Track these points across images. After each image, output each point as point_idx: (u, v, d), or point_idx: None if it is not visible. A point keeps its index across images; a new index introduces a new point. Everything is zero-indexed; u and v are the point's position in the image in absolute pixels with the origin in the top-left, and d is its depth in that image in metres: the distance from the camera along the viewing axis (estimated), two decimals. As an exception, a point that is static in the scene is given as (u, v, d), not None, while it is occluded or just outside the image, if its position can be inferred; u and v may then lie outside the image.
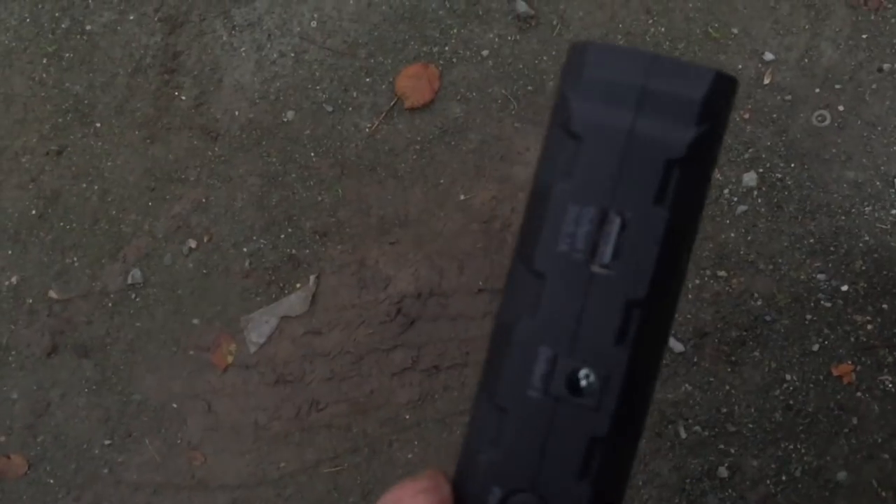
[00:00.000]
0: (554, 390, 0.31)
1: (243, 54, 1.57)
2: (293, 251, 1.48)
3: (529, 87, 1.47)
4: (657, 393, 1.37)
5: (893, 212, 1.37)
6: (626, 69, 0.31)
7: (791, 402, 1.34)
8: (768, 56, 1.44)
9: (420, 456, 1.42)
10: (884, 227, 1.37)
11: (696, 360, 1.37)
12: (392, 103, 1.50)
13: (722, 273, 1.38)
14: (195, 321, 1.49)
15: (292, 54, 1.55)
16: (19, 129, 1.60)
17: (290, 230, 1.49)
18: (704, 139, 0.31)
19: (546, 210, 0.31)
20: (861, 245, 1.37)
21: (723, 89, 0.31)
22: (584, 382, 0.31)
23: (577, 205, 0.31)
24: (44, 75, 1.61)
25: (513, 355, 0.31)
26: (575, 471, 0.31)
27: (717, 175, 1.41)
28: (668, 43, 1.46)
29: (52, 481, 1.49)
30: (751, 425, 1.35)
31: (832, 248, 1.37)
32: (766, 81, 1.43)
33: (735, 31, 1.45)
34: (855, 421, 1.33)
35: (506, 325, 0.32)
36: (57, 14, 1.63)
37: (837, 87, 1.42)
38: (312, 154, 1.51)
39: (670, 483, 1.35)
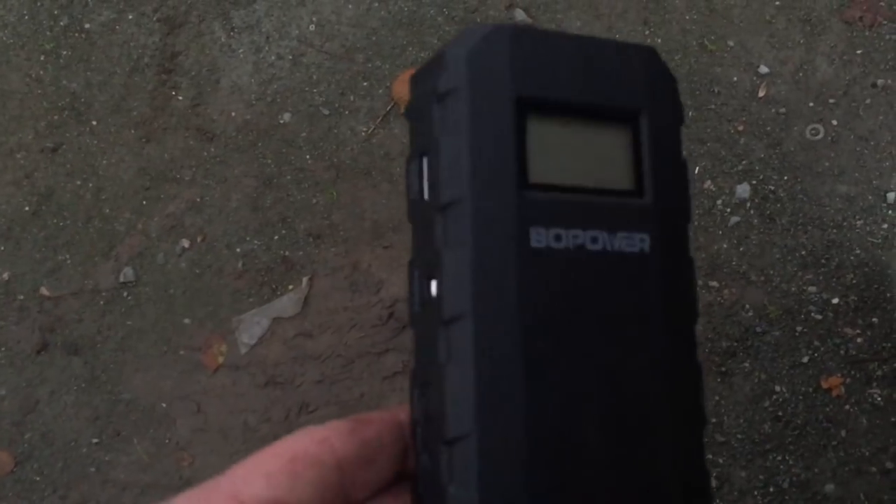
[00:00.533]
0: (425, 299, 0.37)
1: (241, 56, 1.57)
2: (286, 253, 1.48)
3: (526, 95, 1.48)
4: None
5: (885, 226, 1.38)
6: (424, 69, 0.40)
7: (780, 413, 1.35)
8: (763, 69, 1.45)
9: (409, 461, 1.42)
10: (875, 241, 1.38)
11: (686, 369, 1.37)
12: (389, 108, 1.51)
13: (714, 283, 1.39)
14: (186, 321, 1.49)
15: (290, 57, 1.56)
16: (15, 125, 1.60)
17: (283, 232, 1.49)
18: (453, 78, 0.37)
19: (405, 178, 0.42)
20: (852, 258, 1.38)
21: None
22: (433, 285, 0.36)
23: (411, 161, 0.41)
24: (41, 72, 1.61)
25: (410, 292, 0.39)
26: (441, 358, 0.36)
27: (710, 186, 1.42)
28: (664, 54, 1.47)
29: (38, 479, 1.48)
30: (740, 436, 1.35)
31: (824, 261, 1.38)
32: (761, 94, 1.44)
33: (731, 43, 1.46)
34: (843, 434, 1.33)
35: None
36: (56, 12, 1.63)
37: (831, 101, 1.43)
38: (308, 156, 1.51)
39: (658, 492, 1.35)
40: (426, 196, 0.37)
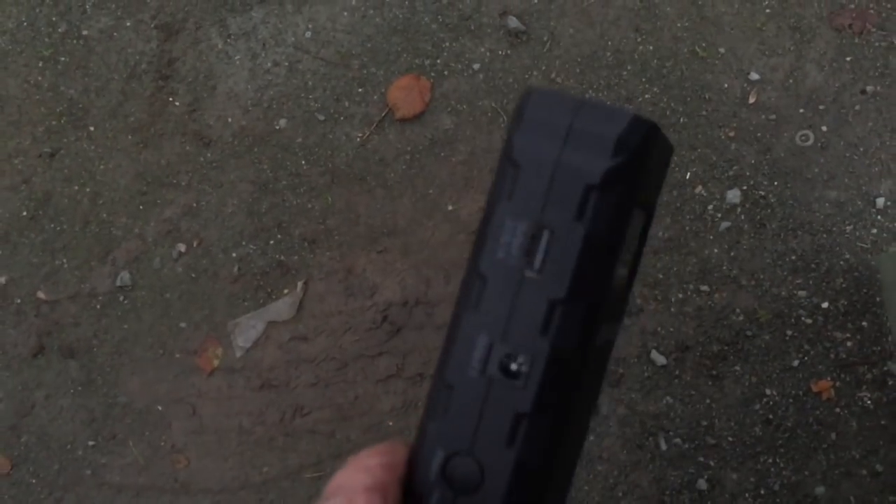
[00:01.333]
0: (489, 371, 0.37)
1: (238, 62, 1.58)
2: (282, 257, 1.50)
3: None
4: (638, 405, 1.38)
5: (874, 231, 1.39)
6: (558, 110, 0.37)
7: (771, 416, 1.36)
8: (754, 76, 1.46)
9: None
10: (864, 245, 1.39)
11: (677, 373, 1.38)
12: (383, 114, 1.52)
13: (705, 288, 1.40)
14: (182, 325, 1.50)
15: (286, 63, 1.57)
16: (13, 130, 1.61)
17: (279, 237, 1.50)
18: (620, 169, 0.37)
19: (490, 224, 0.38)
20: (842, 263, 1.39)
21: (639, 129, 0.38)
22: (514, 366, 0.37)
23: (513, 220, 0.38)
24: (39, 78, 1.63)
25: (458, 342, 0.38)
26: (503, 439, 0.37)
27: (701, 191, 1.43)
28: (655, 61, 1.49)
29: (34, 482, 1.49)
30: (731, 439, 1.36)
31: (813, 266, 1.39)
32: (752, 101, 1.45)
33: (722, 50, 1.48)
34: (833, 437, 1.35)
35: (456, 317, 0.39)
36: (54, 18, 1.65)
37: (821, 107, 1.44)
38: (303, 162, 1.52)
39: (650, 495, 1.36)
40: (523, 265, 0.38)
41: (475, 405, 0.37)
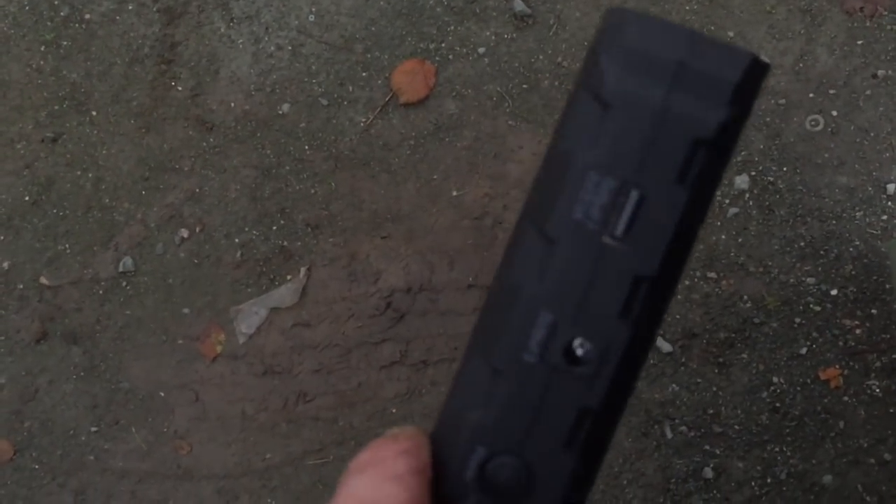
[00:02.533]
0: (551, 357, 0.31)
1: (241, 46, 1.57)
2: (285, 243, 1.49)
3: (524, 86, 1.48)
4: (643, 393, 1.37)
5: (884, 217, 1.37)
6: (664, 42, 0.30)
7: (778, 404, 1.34)
8: (763, 60, 1.44)
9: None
10: (874, 232, 1.37)
11: (683, 360, 1.37)
12: (387, 98, 1.51)
13: (712, 275, 1.39)
14: (185, 311, 1.49)
15: (289, 47, 1.56)
16: (15, 115, 1.60)
17: (282, 222, 1.49)
18: (733, 122, 0.30)
19: (565, 176, 0.31)
20: (851, 250, 1.37)
21: (756, 74, 0.31)
22: (580, 352, 0.31)
23: (598, 174, 0.30)
24: (41, 63, 1.62)
25: (513, 318, 0.31)
26: (563, 440, 0.31)
27: (709, 177, 1.41)
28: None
29: (37, 467, 1.49)
30: (737, 427, 1.35)
31: (822, 253, 1.38)
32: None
33: (731, 34, 1.46)
34: (841, 425, 1.33)
35: (510, 286, 0.32)
36: (56, 2, 1.63)
37: (832, 92, 1.42)
38: (307, 147, 1.51)
39: (655, 483, 1.35)
40: (603, 229, 0.31)
41: (530, 397, 0.30)
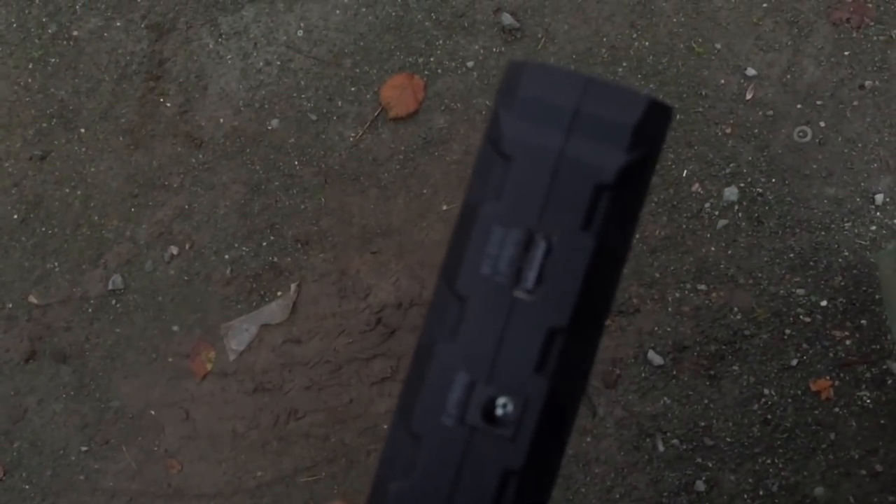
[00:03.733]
0: (469, 418, 0.30)
1: (229, 62, 1.57)
2: (275, 259, 1.48)
3: (513, 99, 1.48)
4: (635, 406, 1.37)
5: (873, 228, 1.38)
6: (560, 90, 0.30)
7: (769, 416, 1.34)
8: (751, 72, 1.44)
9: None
10: (863, 243, 1.37)
11: (674, 373, 1.37)
12: (376, 113, 1.51)
13: (702, 287, 1.39)
14: (175, 328, 1.48)
15: (278, 63, 1.55)
16: (3, 133, 1.60)
17: (272, 238, 1.49)
18: (636, 165, 0.30)
19: (471, 231, 0.30)
20: (840, 261, 1.37)
21: (658, 116, 0.30)
22: (500, 411, 0.30)
23: (503, 227, 0.29)
24: (29, 80, 1.61)
25: (429, 380, 0.30)
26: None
27: (697, 189, 1.42)
28: (651, 57, 1.47)
29: (27, 487, 1.48)
30: (729, 439, 1.35)
31: (812, 264, 1.38)
32: (748, 97, 1.43)
33: (718, 46, 1.46)
34: (833, 437, 1.33)
35: (425, 347, 0.31)
36: (44, 19, 1.63)
37: (819, 103, 1.42)
38: (296, 162, 1.51)
39: (647, 497, 1.35)
40: (512, 283, 0.30)
41: (451, 462, 0.29)
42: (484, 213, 0.29)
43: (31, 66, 1.62)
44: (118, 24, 1.61)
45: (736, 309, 1.38)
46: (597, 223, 0.29)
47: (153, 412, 1.47)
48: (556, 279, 0.29)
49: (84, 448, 1.48)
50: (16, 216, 1.56)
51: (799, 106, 1.43)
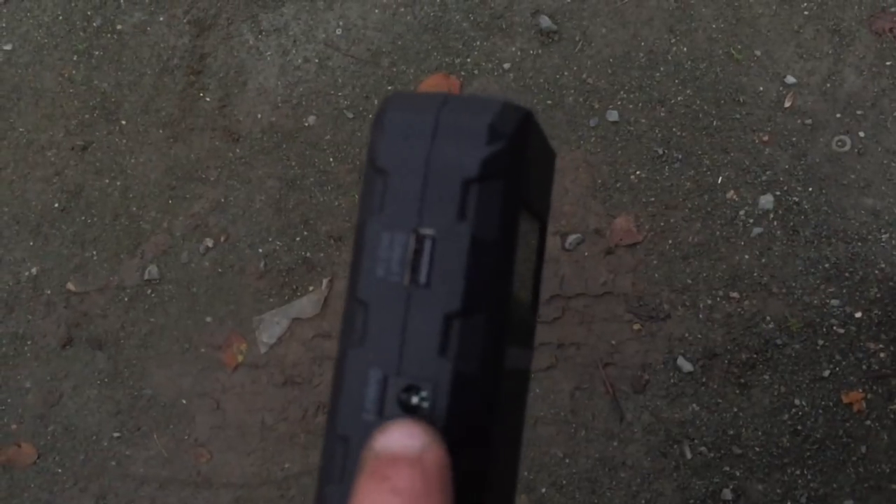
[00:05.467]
0: (388, 411, 0.31)
1: (268, 59, 1.59)
2: (308, 254, 1.50)
3: (549, 102, 1.48)
4: (664, 412, 1.36)
5: (911, 240, 1.36)
6: (422, 107, 0.33)
7: (799, 427, 1.33)
8: (790, 79, 1.43)
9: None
10: (900, 255, 1.36)
11: (704, 380, 1.36)
12: (412, 112, 1.51)
13: (734, 295, 1.38)
14: (208, 319, 1.51)
15: (316, 60, 1.57)
16: (47, 123, 1.63)
17: (305, 233, 1.50)
18: (497, 157, 0.33)
19: (364, 242, 0.33)
20: (877, 272, 1.36)
21: (514, 116, 0.34)
22: (415, 399, 0.31)
23: (389, 232, 0.33)
24: (73, 72, 1.64)
25: (347, 384, 0.32)
26: None
27: (733, 196, 1.41)
28: (689, 63, 1.46)
29: (60, 471, 1.51)
30: (757, 449, 1.34)
31: (847, 275, 1.36)
32: (787, 105, 1.42)
33: (758, 53, 1.45)
34: (863, 450, 1.32)
35: (341, 355, 0.33)
36: (89, 12, 1.66)
37: (859, 112, 1.41)
38: (331, 159, 1.52)
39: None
40: (408, 281, 0.32)
41: None
42: (371, 224, 0.33)
43: (75, 59, 1.65)
44: (161, 18, 1.64)
45: (768, 318, 1.37)
46: (471, 213, 0.32)
47: (184, 401, 1.49)
48: (443, 270, 0.32)
49: (116, 434, 1.50)
50: (56, 205, 1.59)
51: (838, 115, 1.41)
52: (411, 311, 0.32)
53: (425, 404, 0.31)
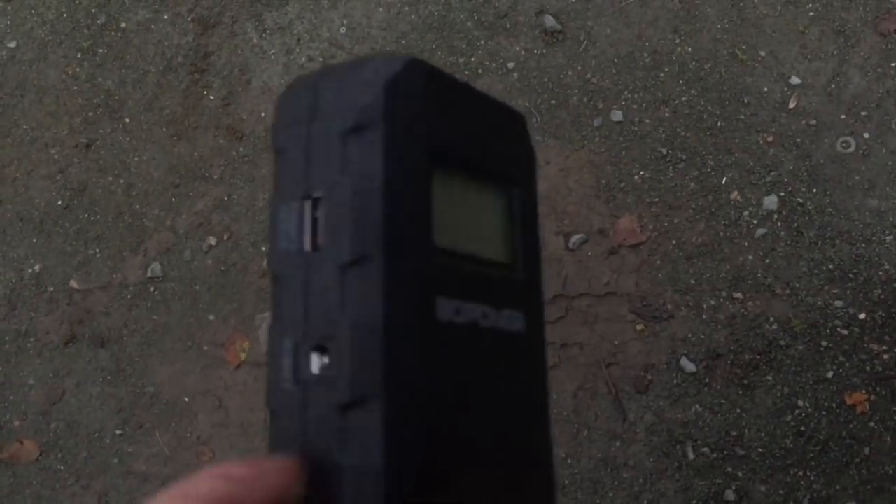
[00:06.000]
0: (303, 376, 0.31)
1: (272, 57, 1.59)
2: (311, 253, 1.50)
3: (553, 101, 1.48)
4: (666, 412, 1.36)
5: (915, 242, 1.36)
6: (304, 83, 0.34)
7: (802, 428, 1.33)
8: (795, 80, 1.43)
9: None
10: (904, 256, 1.35)
11: (707, 381, 1.36)
12: (416, 111, 1.51)
13: (738, 295, 1.38)
14: (211, 317, 1.51)
15: (320, 59, 1.57)
16: (51, 121, 1.63)
17: (308, 232, 1.50)
18: (371, 107, 0.33)
19: (270, 222, 0.34)
20: (881, 274, 1.36)
21: (393, 66, 0.33)
22: (326, 359, 0.31)
23: (285, 205, 0.33)
24: (77, 69, 1.64)
25: (270, 359, 0.32)
26: (334, 444, 0.31)
27: (737, 196, 1.40)
28: (694, 63, 1.46)
29: (62, 468, 1.51)
30: (760, 450, 1.33)
31: (851, 276, 1.36)
32: (792, 105, 1.42)
33: (762, 54, 1.45)
34: (867, 451, 1.31)
35: (268, 336, 0.34)
36: (93, 10, 1.66)
37: (863, 114, 1.41)
38: (335, 158, 1.52)
39: (676, 504, 1.34)
40: (308, 247, 0.33)
41: (297, 420, 0.31)
42: (272, 201, 0.34)
43: (79, 56, 1.65)
44: (165, 16, 1.64)
45: (772, 319, 1.36)
46: (353, 165, 0.32)
47: (187, 399, 1.49)
48: (332, 226, 0.32)
49: (119, 431, 1.50)
50: (60, 202, 1.59)
51: (843, 116, 1.41)
52: (311, 274, 0.32)
53: (333, 360, 0.31)
